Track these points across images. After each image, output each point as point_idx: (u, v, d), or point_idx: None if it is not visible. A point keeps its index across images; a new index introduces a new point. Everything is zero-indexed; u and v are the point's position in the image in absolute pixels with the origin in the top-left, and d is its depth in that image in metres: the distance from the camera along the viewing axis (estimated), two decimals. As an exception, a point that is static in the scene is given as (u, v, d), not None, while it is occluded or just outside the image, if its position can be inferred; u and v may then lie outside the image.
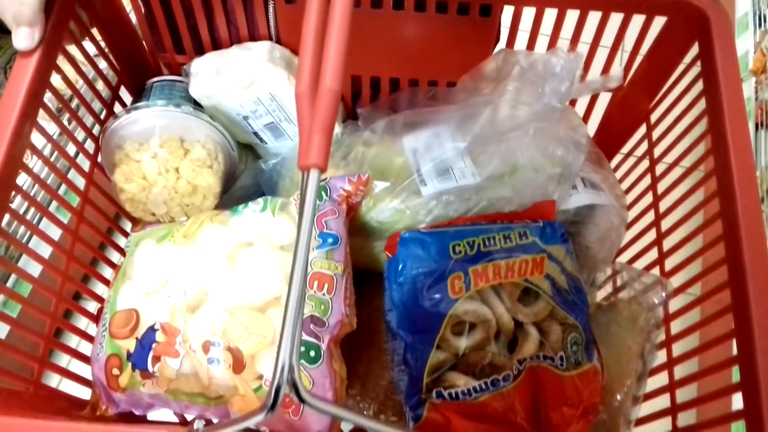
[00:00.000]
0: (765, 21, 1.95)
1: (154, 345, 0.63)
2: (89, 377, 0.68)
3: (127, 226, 0.81)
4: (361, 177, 0.68)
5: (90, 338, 0.71)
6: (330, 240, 0.65)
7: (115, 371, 0.65)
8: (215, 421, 0.65)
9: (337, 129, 0.77)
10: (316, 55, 0.41)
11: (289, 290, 0.36)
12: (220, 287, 0.64)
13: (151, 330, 0.64)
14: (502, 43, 0.77)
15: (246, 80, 0.73)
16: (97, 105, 0.77)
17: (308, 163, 0.38)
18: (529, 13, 0.71)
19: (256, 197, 0.72)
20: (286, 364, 0.34)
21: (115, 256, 0.79)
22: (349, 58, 0.75)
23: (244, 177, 0.81)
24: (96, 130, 0.74)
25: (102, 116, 0.76)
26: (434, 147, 0.70)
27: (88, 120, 0.77)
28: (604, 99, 0.80)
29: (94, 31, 0.73)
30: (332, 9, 0.42)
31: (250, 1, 0.72)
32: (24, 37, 0.62)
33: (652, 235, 0.75)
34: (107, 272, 0.77)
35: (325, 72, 0.40)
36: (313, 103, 0.40)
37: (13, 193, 0.59)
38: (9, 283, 1.01)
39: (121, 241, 0.79)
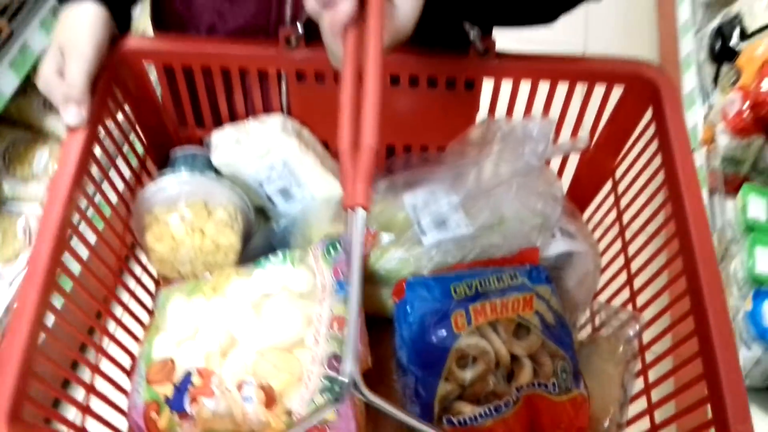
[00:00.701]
0: (710, 96, 2.14)
1: (190, 387, 0.69)
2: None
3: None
4: (370, 231, 0.77)
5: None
6: (347, 286, 0.73)
7: (154, 415, 0.71)
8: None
9: (341, 190, 0.87)
10: (354, 119, 0.51)
11: (349, 310, 0.44)
12: (249, 333, 0.72)
13: (187, 374, 0.70)
14: (482, 111, 0.88)
15: (262, 149, 0.82)
16: (127, 173, 0.85)
17: (354, 202, 0.47)
18: (506, 86, 0.83)
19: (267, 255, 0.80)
20: (349, 369, 0.43)
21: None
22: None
23: (257, 237, 0.89)
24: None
25: (131, 183, 0.84)
26: (431, 203, 0.80)
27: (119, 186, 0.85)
28: (574, 159, 0.91)
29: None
30: (366, 82, 0.52)
31: (265, 79, 0.82)
32: (74, 115, 0.71)
33: (623, 276, 0.85)
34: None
35: (365, 132, 0.50)
36: (354, 157, 0.50)
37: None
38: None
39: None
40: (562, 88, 0.83)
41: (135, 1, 0.83)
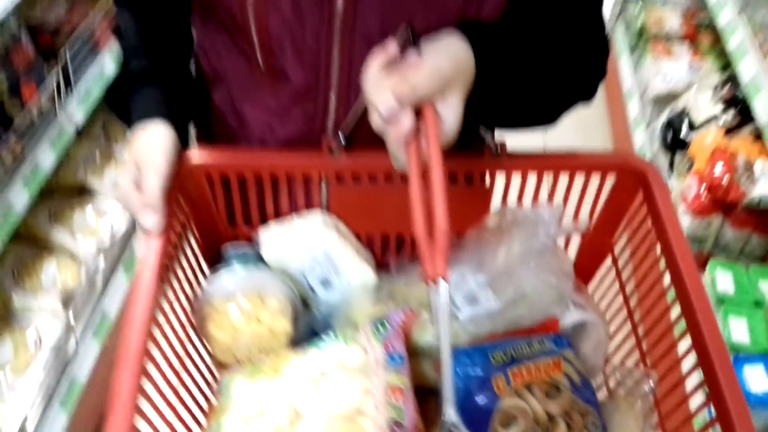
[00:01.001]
0: (667, 182, 2.34)
1: (264, 459, 0.76)
2: None
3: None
4: (412, 310, 0.87)
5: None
6: (397, 359, 0.82)
7: (228, 488, 0.77)
8: None
9: (374, 276, 0.97)
10: (423, 210, 0.63)
11: (443, 364, 0.54)
12: (311, 406, 0.79)
13: (260, 447, 0.77)
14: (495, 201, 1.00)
15: (306, 244, 0.93)
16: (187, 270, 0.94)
17: (436, 274, 0.58)
18: (515, 178, 0.96)
19: (309, 339, 0.90)
20: (449, 410, 0.52)
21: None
22: (380, 221, 0.98)
23: (299, 324, 0.98)
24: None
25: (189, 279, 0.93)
26: (461, 283, 0.90)
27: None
28: (576, 239, 1.04)
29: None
30: (432, 180, 0.64)
31: (308, 183, 0.93)
32: (153, 222, 0.81)
33: (632, 339, 0.95)
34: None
35: (437, 217, 0.61)
36: (429, 240, 0.61)
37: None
38: None
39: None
40: (563, 178, 0.96)
41: (190, 120, 0.95)
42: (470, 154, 0.92)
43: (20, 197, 1.70)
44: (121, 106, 0.92)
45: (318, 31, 0.82)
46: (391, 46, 0.70)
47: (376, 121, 0.69)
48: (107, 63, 2.02)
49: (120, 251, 2.08)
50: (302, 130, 0.92)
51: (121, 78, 0.94)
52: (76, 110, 1.90)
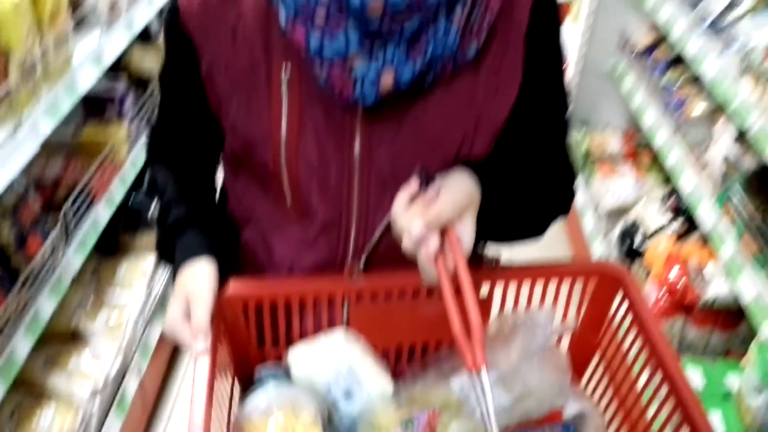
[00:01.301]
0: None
1: None
2: None
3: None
4: (436, 411, 0.97)
5: None
6: (428, 455, 0.91)
7: None
8: None
9: (391, 385, 1.07)
10: (458, 312, 0.75)
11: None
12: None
13: None
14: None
15: (331, 359, 1.03)
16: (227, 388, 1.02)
17: (478, 364, 0.70)
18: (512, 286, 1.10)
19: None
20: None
21: None
22: (395, 334, 1.09)
23: (326, 436, 1.06)
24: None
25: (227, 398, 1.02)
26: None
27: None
28: (566, 338, 1.17)
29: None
30: (462, 286, 0.77)
31: (331, 304, 1.05)
32: (203, 346, 0.91)
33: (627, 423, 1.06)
34: None
35: (472, 316, 0.74)
36: (465, 337, 0.73)
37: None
38: None
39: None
40: (551, 285, 1.10)
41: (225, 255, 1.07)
42: (472, 268, 1.06)
43: (22, 345, 1.75)
44: (163, 249, 1.05)
45: (340, 174, 0.97)
46: (413, 184, 0.85)
47: (407, 244, 0.82)
48: (102, 212, 2.14)
49: (113, 393, 2.10)
50: (326, 257, 1.05)
51: (161, 225, 1.06)
52: (72, 258, 2.00)
